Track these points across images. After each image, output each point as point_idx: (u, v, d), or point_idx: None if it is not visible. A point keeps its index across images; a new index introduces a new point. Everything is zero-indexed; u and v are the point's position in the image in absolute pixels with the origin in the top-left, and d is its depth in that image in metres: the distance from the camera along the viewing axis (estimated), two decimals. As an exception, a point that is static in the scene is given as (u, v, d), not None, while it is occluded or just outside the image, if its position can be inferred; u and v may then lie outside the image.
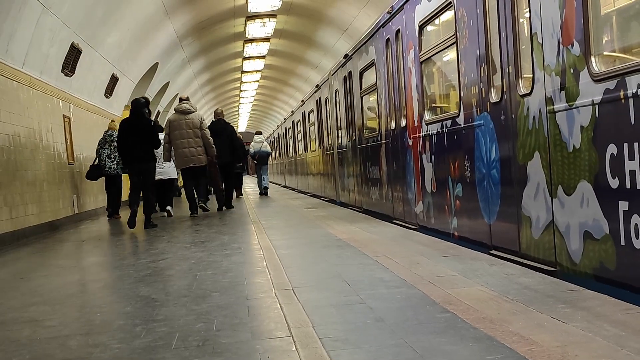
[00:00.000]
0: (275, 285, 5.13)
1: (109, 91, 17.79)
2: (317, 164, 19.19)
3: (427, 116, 8.26)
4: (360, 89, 12.17)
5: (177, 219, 12.53)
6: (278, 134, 34.23)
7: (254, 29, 23.82)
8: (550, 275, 4.89)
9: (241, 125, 65.46)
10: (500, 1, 5.87)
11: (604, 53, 4.62)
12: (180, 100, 13.02)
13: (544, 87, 5.14)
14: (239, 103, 48.79)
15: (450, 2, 7.03)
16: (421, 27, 8.23)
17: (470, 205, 6.90)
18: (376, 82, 10.79)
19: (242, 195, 19.23)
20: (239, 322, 4.02)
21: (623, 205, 4.17)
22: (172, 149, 12.66)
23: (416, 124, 8.63)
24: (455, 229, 7.41)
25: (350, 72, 13.05)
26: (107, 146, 13.72)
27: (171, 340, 3.72)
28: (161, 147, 12.11)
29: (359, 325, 3.73)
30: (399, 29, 9.17)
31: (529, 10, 5.32)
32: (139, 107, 11.11)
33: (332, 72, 15.43)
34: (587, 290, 4.20)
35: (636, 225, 4.04)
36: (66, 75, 13.79)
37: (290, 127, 26.88)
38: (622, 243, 4.20)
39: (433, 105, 8.52)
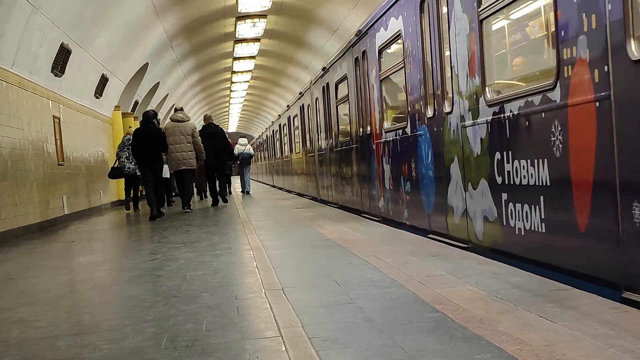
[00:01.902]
0: (265, 285, 5.14)
1: (99, 91, 17.74)
2: (301, 165, 20.52)
3: (386, 125, 9.74)
4: (336, 98, 13.65)
5: (168, 219, 12.52)
6: (266, 135, 35.06)
7: (244, 29, 23.79)
8: (465, 250, 6.30)
9: (231, 126, 65.35)
10: (432, 38, 7.37)
11: (495, 82, 6.15)
12: (175, 110, 14.37)
13: (460, 108, 6.65)
14: (230, 103, 48.71)
15: (399, 34, 8.47)
16: (380, 51, 9.69)
17: (415, 199, 8.37)
18: (348, 94, 12.22)
19: (231, 194, 19.91)
20: (229, 322, 4.03)
21: (504, 196, 5.72)
22: (167, 153, 13.85)
23: (378, 131, 10.10)
24: (406, 219, 8.85)
25: (327, 83, 14.51)
26: (125, 149, 15.46)
27: (160, 340, 3.72)
28: None
29: (349, 325, 3.74)
30: (364, 50, 10.59)
31: (450, 48, 6.82)
32: (149, 118, 13.21)
33: (313, 82, 16.75)
34: (575, 290, 4.22)
35: (511, 210, 5.59)
36: (56, 75, 13.75)
37: (277, 130, 28.06)
38: (504, 223, 5.74)
39: (390, 116, 9.96)
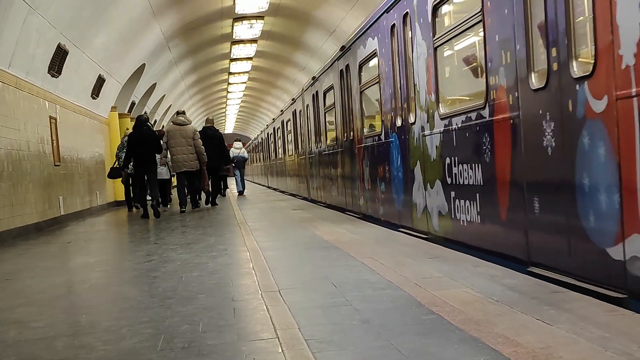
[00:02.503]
0: (262, 286, 5.14)
1: (96, 92, 17.72)
2: (294, 167, 21.55)
3: (365, 132, 10.88)
4: (324, 106, 14.76)
5: (165, 220, 12.52)
6: (261, 138, 35.60)
7: (241, 30, 23.77)
8: (425, 241, 7.34)
9: (228, 127, 65.28)
10: (400, 59, 8.49)
11: (447, 98, 7.31)
12: (177, 113, 15.02)
13: (421, 120, 7.76)
14: (227, 105, 48.68)
15: (375, 53, 9.63)
16: (360, 66, 10.82)
17: (388, 197, 9.50)
18: (334, 102, 13.28)
19: (225, 195, 20.46)
20: (225, 324, 4.03)
21: (453, 194, 6.88)
22: (169, 155, 14.47)
23: (359, 137, 11.20)
24: (382, 215, 9.96)
25: (317, 91, 15.61)
26: (124, 150, 15.55)
27: (157, 342, 3.72)
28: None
29: (345, 327, 3.74)
30: (348, 64, 11.73)
31: (413, 68, 7.94)
32: (143, 121, 13.62)
33: (304, 90, 17.76)
34: (571, 292, 4.23)
35: (457, 205, 6.75)
36: (52, 76, 13.73)
37: (271, 133, 28.96)
38: (452, 216, 6.92)
39: (369, 124, 11.10)
